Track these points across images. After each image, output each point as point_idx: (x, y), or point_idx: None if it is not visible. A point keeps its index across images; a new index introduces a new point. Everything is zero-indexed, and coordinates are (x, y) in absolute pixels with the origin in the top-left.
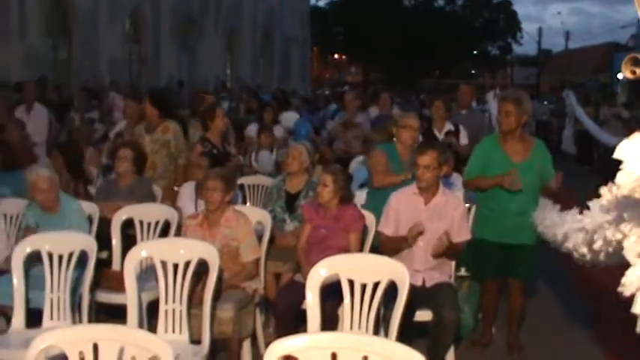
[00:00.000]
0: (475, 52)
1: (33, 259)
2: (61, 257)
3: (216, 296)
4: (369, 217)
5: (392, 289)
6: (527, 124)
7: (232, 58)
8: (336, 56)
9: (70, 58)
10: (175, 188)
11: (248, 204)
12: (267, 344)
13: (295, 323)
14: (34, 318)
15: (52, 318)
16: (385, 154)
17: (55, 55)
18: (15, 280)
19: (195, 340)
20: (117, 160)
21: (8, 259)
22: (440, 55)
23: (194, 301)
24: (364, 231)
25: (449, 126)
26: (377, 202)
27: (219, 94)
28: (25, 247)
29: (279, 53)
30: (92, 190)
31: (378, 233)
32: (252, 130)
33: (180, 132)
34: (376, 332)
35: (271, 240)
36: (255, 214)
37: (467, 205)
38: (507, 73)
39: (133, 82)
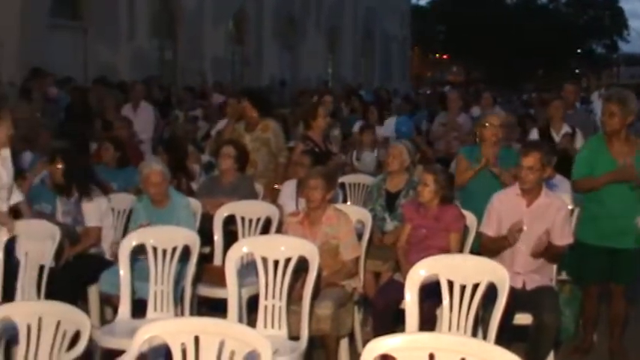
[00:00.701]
0: (579, 50)
1: (140, 252)
2: (165, 251)
3: (316, 294)
4: (470, 218)
5: (491, 291)
6: (634, 125)
7: (333, 58)
8: (437, 55)
9: (175, 58)
10: (276, 186)
11: (349, 202)
12: (364, 343)
13: (393, 322)
14: (139, 308)
15: (155, 309)
16: (464, 157)
17: (161, 55)
18: (122, 272)
19: (294, 337)
20: (219, 157)
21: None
22: (543, 54)
23: (293, 297)
24: (465, 231)
25: (566, 127)
26: (467, 204)
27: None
28: (132, 241)
29: (380, 52)
30: (194, 186)
31: (478, 234)
32: (354, 129)
33: (280, 130)
34: (474, 334)
35: (371, 239)
36: (356, 213)
37: (570, 207)
38: (614, 73)
39: (236, 82)
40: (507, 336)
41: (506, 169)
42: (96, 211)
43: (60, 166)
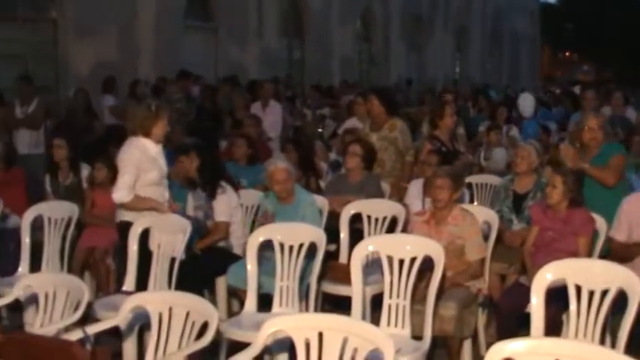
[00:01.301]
0: None
1: (266, 248)
2: (291, 247)
3: (440, 294)
4: (599, 221)
5: (621, 298)
6: None
7: (461, 57)
8: (566, 54)
9: (303, 57)
10: (403, 185)
11: (475, 203)
12: (488, 345)
13: (518, 326)
14: (264, 302)
15: (281, 304)
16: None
17: (289, 54)
18: (249, 267)
19: (416, 336)
20: (347, 155)
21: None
22: None
23: (417, 297)
24: (594, 235)
25: None
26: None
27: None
28: (259, 236)
29: (508, 52)
30: (322, 184)
31: (608, 239)
32: (480, 129)
33: (406, 129)
34: (602, 342)
35: (497, 240)
36: (482, 214)
37: None
38: None
39: (363, 81)
40: (638, 345)
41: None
42: (226, 207)
43: (195, 161)
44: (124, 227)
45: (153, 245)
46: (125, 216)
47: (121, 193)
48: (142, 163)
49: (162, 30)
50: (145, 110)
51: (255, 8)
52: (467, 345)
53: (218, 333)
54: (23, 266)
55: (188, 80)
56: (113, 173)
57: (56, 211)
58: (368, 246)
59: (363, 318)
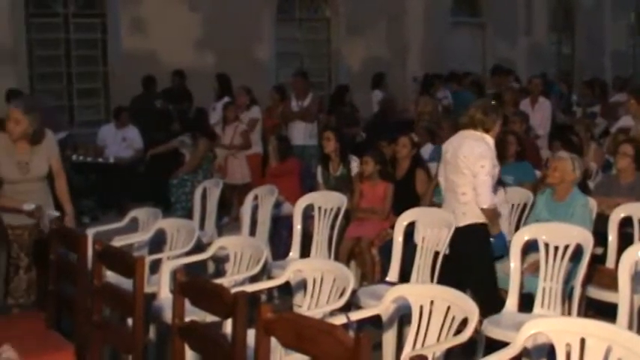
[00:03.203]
0: None
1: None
2: (557, 248)
3: None
4: None
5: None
6: None
7: None
8: None
9: (573, 53)
10: None
11: None
12: None
13: None
14: (526, 302)
15: (542, 306)
16: None
17: (559, 50)
18: (512, 264)
19: None
20: (617, 156)
21: None
22: None
23: None
24: None
25: None
26: None
27: None
28: (524, 235)
29: None
30: (591, 184)
31: None
32: None
33: None
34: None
35: None
36: None
37: None
38: None
39: (638, 77)
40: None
41: None
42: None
43: None
44: None
45: (417, 238)
46: None
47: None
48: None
49: (429, 26)
50: (490, 106)
51: (524, 4)
52: None
53: (476, 330)
54: (294, 251)
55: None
56: (381, 167)
57: (326, 201)
58: (637, 252)
59: (630, 328)
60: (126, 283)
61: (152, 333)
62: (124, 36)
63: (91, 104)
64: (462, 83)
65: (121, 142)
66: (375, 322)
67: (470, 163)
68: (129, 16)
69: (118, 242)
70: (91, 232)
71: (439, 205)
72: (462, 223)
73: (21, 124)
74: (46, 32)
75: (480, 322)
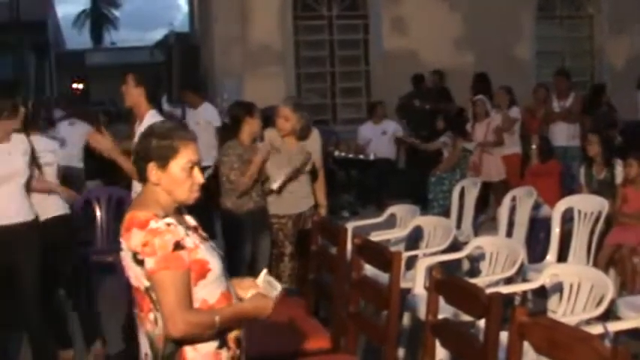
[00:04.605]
0: None
1: None
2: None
3: None
4: None
5: None
6: None
7: None
8: None
9: None
10: None
11: None
12: None
13: None
14: None
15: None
16: None
17: None
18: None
19: None
20: None
21: None
22: None
23: None
24: None
25: None
26: None
27: None
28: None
29: None
30: None
31: None
32: None
33: None
34: None
35: None
36: None
37: None
38: None
39: None
40: None
41: None
42: None
43: None
44: None
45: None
46: None
47: None
48: None
49: None
50: None
51: None
52: None
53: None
54: (551, 255)
55: None
56: None
57: (587, 204)
58: None
59: None
60: (382, 277)
61: (404, 326)
62: (385, 36)
63: (353, 103)
64: None
65: (380, 135)
66: (634, 334)
67: None
68: (390, 16)
69: (375, 237)
70: (350, 226)
71: None
72: None
73: (290, 121)
74: (312, 34)
75: None
